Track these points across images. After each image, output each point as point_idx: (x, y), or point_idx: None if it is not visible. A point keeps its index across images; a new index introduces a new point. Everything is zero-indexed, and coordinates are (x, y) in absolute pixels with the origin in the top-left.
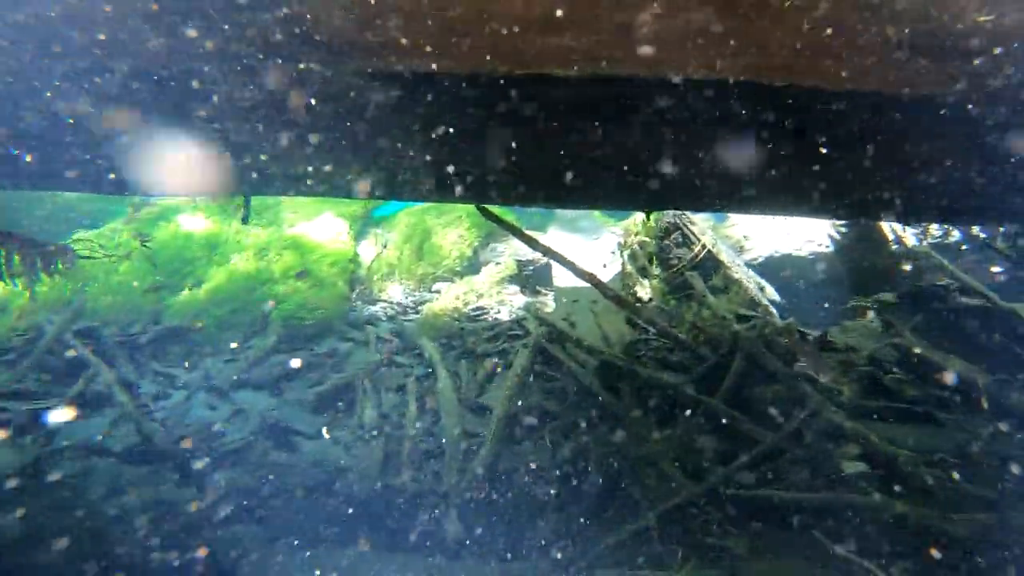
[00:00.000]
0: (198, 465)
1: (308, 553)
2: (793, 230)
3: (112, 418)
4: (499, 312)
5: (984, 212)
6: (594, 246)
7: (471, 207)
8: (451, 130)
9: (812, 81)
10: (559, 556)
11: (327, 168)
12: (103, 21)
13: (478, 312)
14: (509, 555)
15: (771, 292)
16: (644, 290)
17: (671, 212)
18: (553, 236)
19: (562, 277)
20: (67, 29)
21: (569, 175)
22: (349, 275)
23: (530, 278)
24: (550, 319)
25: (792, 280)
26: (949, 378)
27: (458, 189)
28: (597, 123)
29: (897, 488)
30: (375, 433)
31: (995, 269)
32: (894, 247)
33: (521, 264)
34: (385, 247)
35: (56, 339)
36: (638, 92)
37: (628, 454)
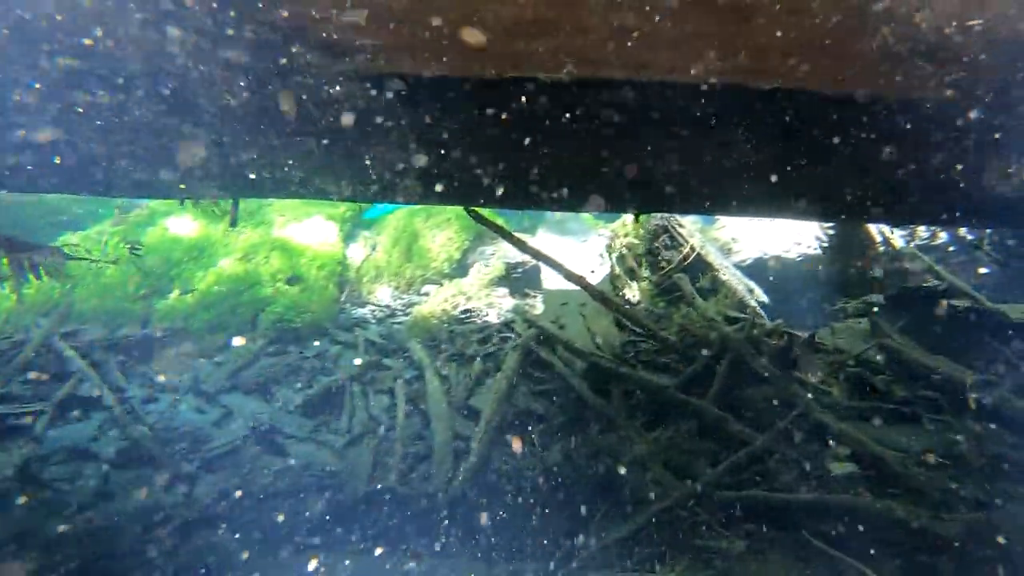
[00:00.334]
0: (186, 469)
1: (297, 556)
2: (781, 232)
3: (100, 422)
4: (488, 314)
5: (971, 215)
6: (583, 248)
7: (460, 210)
8: (441, 133)
9: (801, 84)
10: (549, 558)
11: (316, 171)
12: (94, 20)
13: (467, 315)
14: (499, 557)
15: (759, 294)
16: (633, 292)
17: (660, 214)
18: (542, 238)
19: (551, 279)
20: (56, 29)
21: (558, 177)
22: (338, 278)
23: (519, 280)
24: (539, 321)
25: (780, 282)
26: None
27: (448, 192)
28: (586, 126)
29: (887, 488)
30: (364, 436)
31: (982, 270)
32: (881, 249)
33: (510, 266)
34: (374, 249)
35: (44, 342)
36: (627, 95)
37: (618, 456)
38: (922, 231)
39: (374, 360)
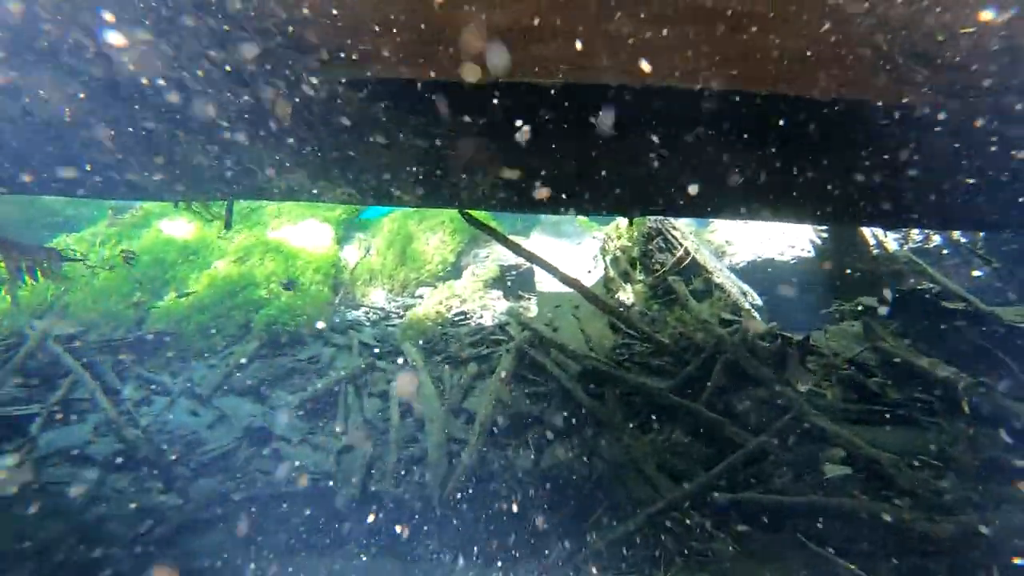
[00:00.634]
0: (181, 472)
1: (290, 560)
2: (775, 235)
3: (94, 424)
4: (482, 317)
5: (967, 219)
6: (578, 250)
7: (454, 212)
8: (437, 137)
9: (797, 90)
10: (544, 560)
11: (312, 175)
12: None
13: (461, 317)
14: (494, 559)
15: (754, 296)
16: (627, 294)
17: (654, 217)
18: (536, 240)
19: (545, 281)
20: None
21: (553, 180)
22: (332, 280)
23: (513, 283)
24: (533, 324)
25: (774, 285)
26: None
27: (445, 195)
28: (582, 129)
29: (881, 490)
30: (359, 439)
31: (976, 273)
32: (875, 252)
33: (504, 269)
34: (368, 252)
35: (38, 344)
36: (623, 100)
37: (612, 458)
38: (915, 234)
39: (368, 362)
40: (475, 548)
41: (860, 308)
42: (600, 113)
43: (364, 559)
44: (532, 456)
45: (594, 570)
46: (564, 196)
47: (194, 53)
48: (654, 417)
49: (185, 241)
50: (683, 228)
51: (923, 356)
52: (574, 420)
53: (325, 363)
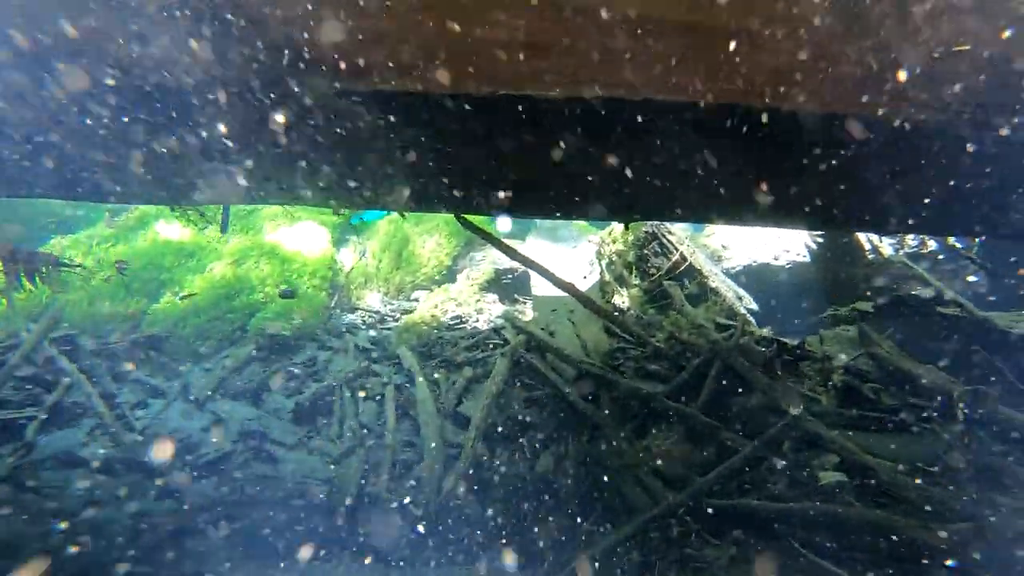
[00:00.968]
0: (176, 476)
1: (285, 564)
2: (771, 240)
3: (90, 428)
4: (478, 321)
5: (959, 225)
6: (573, 254)
7: (450, 216)
8: (437, 146)
9: (789, 105)
10: (538, 566)
11: (316, 182)
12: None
13: (457, 321)
14: (488, 565)
15: (749, 301)
16: (623, 299)
17: (649, 222)
18: (532, 244)
19: (541, 285)
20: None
21: (550, 187)
22: (328, 283)
23: (509, 286)
24: (528, 328)
25: (770, 289)
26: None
27: (445, 200)
28: (578, 139)
29: (876, 497)
30: (354, 443)
31: (971, 279)
32: (870, 256)
33: (500, 272)
34: (364, 255)
35: (34, 347)
36: (618, 112)
37: (607, 464)
38: (911, 239)
39: (364, 366)
40: (469, 554)
41: (855, 312)
42: (593, 124)
43: (357, 564)
44: (527, 461)
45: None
46: (561, 201)
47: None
48: (649, 422)
49: (181, 243)
50: (679, 233)
51: (917, 362)
52: (569, 425)
53: (321, 367)
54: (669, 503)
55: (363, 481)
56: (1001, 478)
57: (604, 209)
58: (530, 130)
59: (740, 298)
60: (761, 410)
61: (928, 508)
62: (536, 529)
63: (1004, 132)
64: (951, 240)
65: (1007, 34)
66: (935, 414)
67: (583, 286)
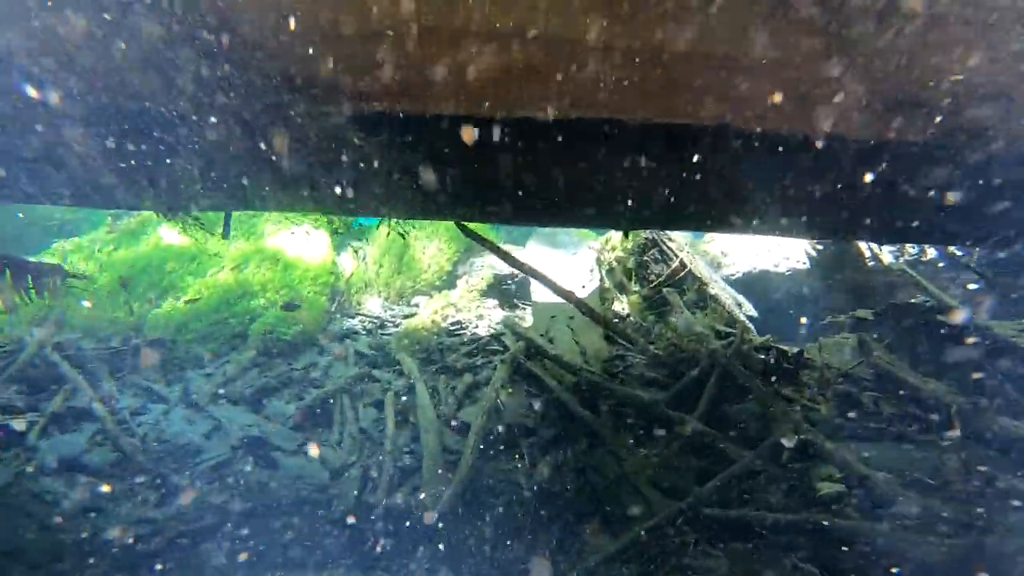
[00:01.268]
0: (177, 482)
1: (281, 573)
2: (771, 247)
3: (91, 433)
4: (477, 326)
5: (951, 235)
6: (573, 260)
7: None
8: (440, 161)
9: (776, 128)
10: None
11: (322, 196)
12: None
13: (456, 327)
14: (487, 574)
15: (749, 308)
16: (622, 305)
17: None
18: (532, 250)
19: (541, 291)
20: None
21: (550, 197)
22: (329, 288)
23: (509, 292)
24: (528, 334)
25: (770, 296)
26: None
27: (449, 210)
28: (574, 155)
29: (874, 508)
30: (353, 449)
31: (971, 286)
32: (870, 264)
33: (500, 278)
34: (364, 260)
35: (36, 352)
36: (617, 132)
37: (606, 472)
38: (911, 247)
39: (364, 372)
40: (466, 560)
41: (855, 320)
42: (588, 141)
43: (357, 573)
44: (526, 469)
45: None
46: (561, 210)
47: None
48: (648, 430)
49: (183, 248)
50: (678, 239)
51: (915, 372)
52: (568, 432)
53: (321, 372)
54: (667, 513)
55: (362, 488)
56: (999, 491)
57: (603, 219)
58: (528, 147)
59: (740, 305)
60: (761, 417)
61: (926, 521)
62: (534, 538)
63: None
64: (951, 249)
65: None
66: (934, 424)
67: (583, 293)
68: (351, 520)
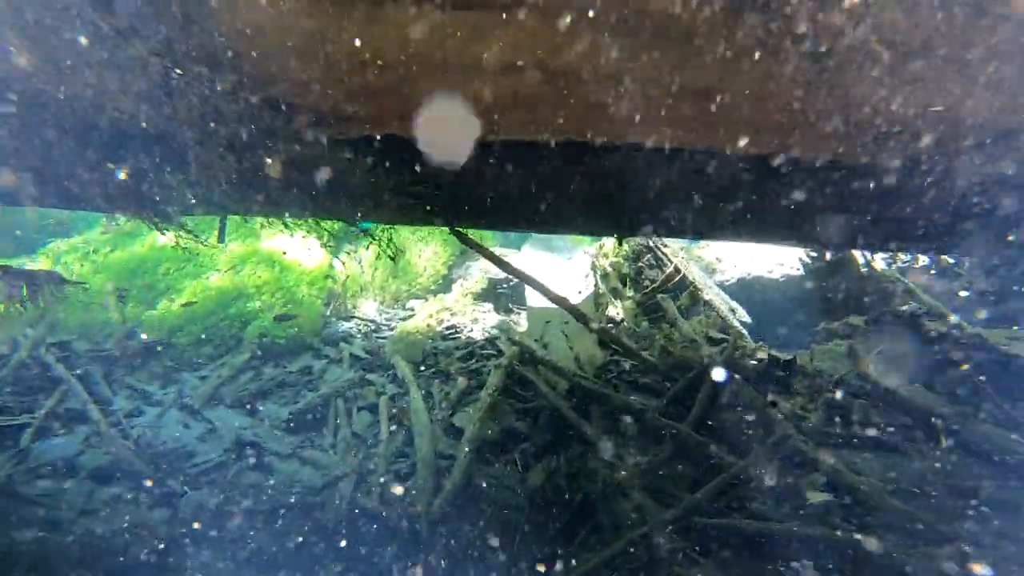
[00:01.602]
0: (170, 485)
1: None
2: (765, 253)
3: (85, 435)
4: (472, 331)
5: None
6: (568, 265)
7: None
8: (444, 175)
9: (766, 151)
10: None
11: (320, 205)
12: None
13: (451, 331)
14: None
15: (742, 314)
16: (616, 311)
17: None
18: (528, 255)
19: (535, 295)
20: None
21: (548, 207)
22: (324, 292)
23: (503, 296)
24: (522, 340)
25: (763, 302)
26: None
27: (452, 217)
28: (572, 170)
29: (863, 516)
30: (348, 453)
31: (963, 293)
32: (864, 271)
33: (494, 282)
34: (360, 264)
35: (30, 354)
36: (607, 154)
37: (598, 479)
38: (903, 254)
39: (359, 375)
40: (458, 566)
41: (847, 327)
42: (585, 160)
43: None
44: (518, 474)
45: None
46: (559, 218)
47: None
48: (640, 437)
49: (178, 249)
50: (673, 245)
51: (905, 380)
52: (561, 438)
53: (316, 375)
54: (658, 521)
55: (356, 492)
56: (983, 500)
57: (600, 227)
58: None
59: (733, 311)
60: (752, 424)
61: (913, 531)
62: (526, 545)
63: None
64: (944, 257)
65: None
66: (922, 434)
67: (578, 298)
68: (344, 524)
